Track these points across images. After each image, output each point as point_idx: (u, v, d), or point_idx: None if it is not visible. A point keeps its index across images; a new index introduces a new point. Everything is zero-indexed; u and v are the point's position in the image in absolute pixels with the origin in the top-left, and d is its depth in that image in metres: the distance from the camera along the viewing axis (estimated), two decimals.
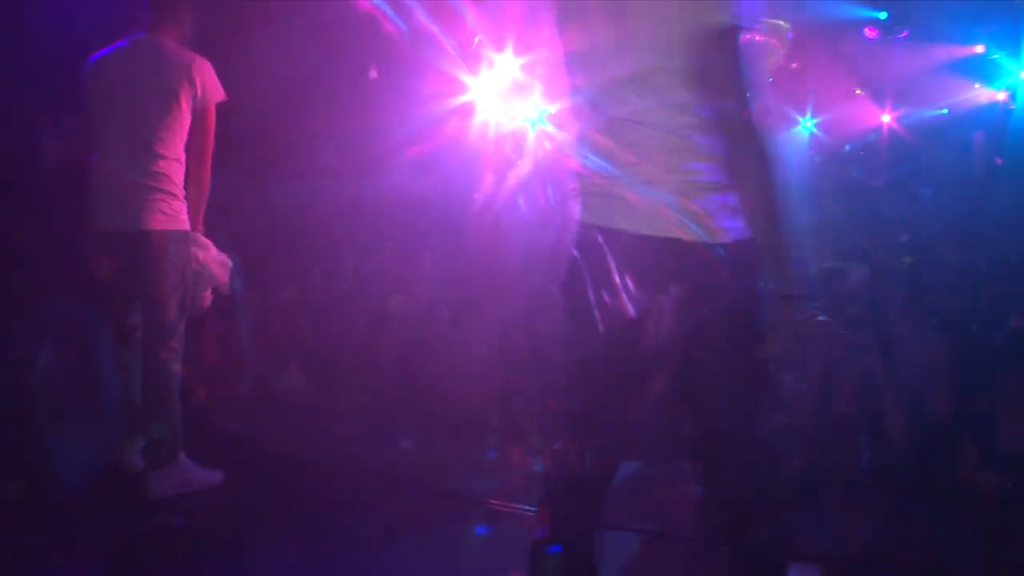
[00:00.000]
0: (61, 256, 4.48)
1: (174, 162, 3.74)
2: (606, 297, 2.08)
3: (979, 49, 6.41)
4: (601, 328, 2.07)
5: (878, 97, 7.22)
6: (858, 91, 7.49)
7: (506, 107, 6.69)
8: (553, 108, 6.60)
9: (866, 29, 6.32)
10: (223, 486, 3.86)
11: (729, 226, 2.05)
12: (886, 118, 7.28)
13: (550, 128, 6.71)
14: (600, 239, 2.09)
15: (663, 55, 1.98)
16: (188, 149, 3.84)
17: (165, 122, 3.69)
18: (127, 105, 3.70)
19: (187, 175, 3.85)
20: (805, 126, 7.93)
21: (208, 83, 3.75)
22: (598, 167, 2.13)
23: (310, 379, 5.71)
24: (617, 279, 2.06)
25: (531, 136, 6.79)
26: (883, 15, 6.33)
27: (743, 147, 2.00)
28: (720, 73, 1.97)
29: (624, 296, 2.05)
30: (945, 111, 6.92)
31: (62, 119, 4.59)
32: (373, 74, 6.28)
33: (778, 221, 2.03)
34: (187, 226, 3.79)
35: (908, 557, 3.42)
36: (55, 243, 4.57)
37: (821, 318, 4.69)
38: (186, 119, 3.73)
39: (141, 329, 3.80)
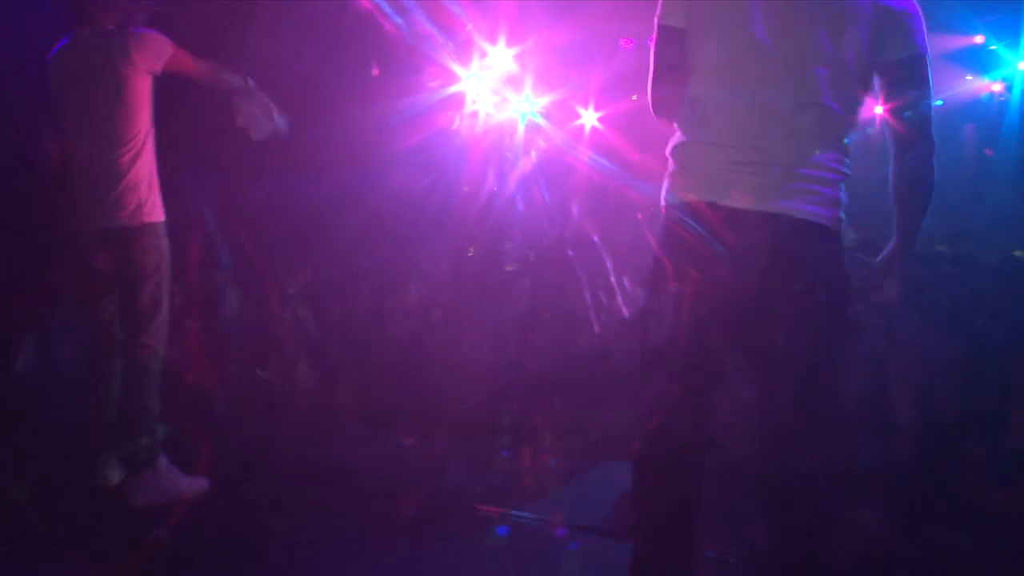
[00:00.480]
0: (42, 258, 4.43)
1: (138, 149, 3.66)
2: (701, 272, 2.14)
3: (978, 39, 6.32)
4: (692, 304, 2.14)
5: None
6: None
7: (500, 100, 6.71)
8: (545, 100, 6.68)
9: None
10: (211, 493, 3.78)
11: (825, 213, 2.15)
12: (879, 110, 7.08)
13: (542, 121, 6.75)
14: (702, 214, 2.15)
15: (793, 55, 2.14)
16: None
17: (119, 111, 3.62)
18: (81, 101, 3.65)
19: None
20: None
21: (150, 50, 3.63)
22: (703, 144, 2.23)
23: (310, 378, 5.65)
24: (717, 252, 2.12)
25: (521, 130, 6.83)
26: None
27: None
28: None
29: (722, 271, 2.12)
30: (940, 102, 6.52)
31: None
32: (375, 71, 6.27)
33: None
34: (157, 217, 3.72)
35: (910, 560, 3.38)
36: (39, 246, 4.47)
37: None
38: (141, 100, 3.64)
39: (118, 328, 3.74)
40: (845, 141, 2.25)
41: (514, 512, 3.82)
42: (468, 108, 6.76)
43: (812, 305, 2.11)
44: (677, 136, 2.33)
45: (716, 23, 2.22)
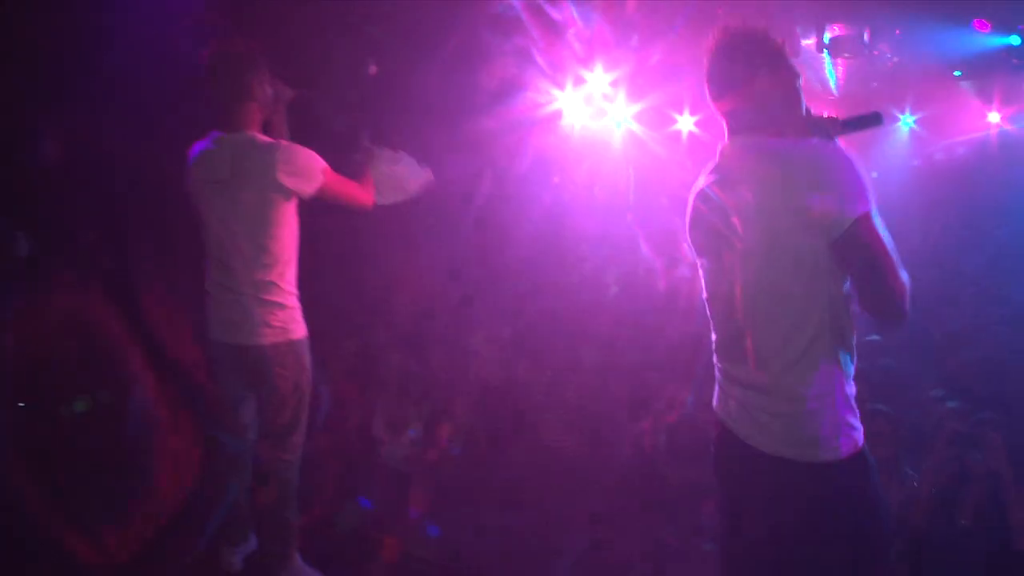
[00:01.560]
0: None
1: (280, 266, 3.49)
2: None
3: None
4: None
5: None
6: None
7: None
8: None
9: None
10: None
11: None
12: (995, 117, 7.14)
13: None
14: None
15: None
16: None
17: (265, 230, 3.43)
18: (224, 213, 3.46)
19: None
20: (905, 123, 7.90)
21: (303, 174, 3.40)
22: None
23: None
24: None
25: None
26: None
27: None
28: None
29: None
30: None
31: None
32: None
33: None
34: (297, 335, 3.55)
35: None
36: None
37: (950, 404, 4.17)
38: (287, 220, 3.45)
39: (254, 433, 3.70)
40: None
41: None
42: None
43: None
44: None
45: None
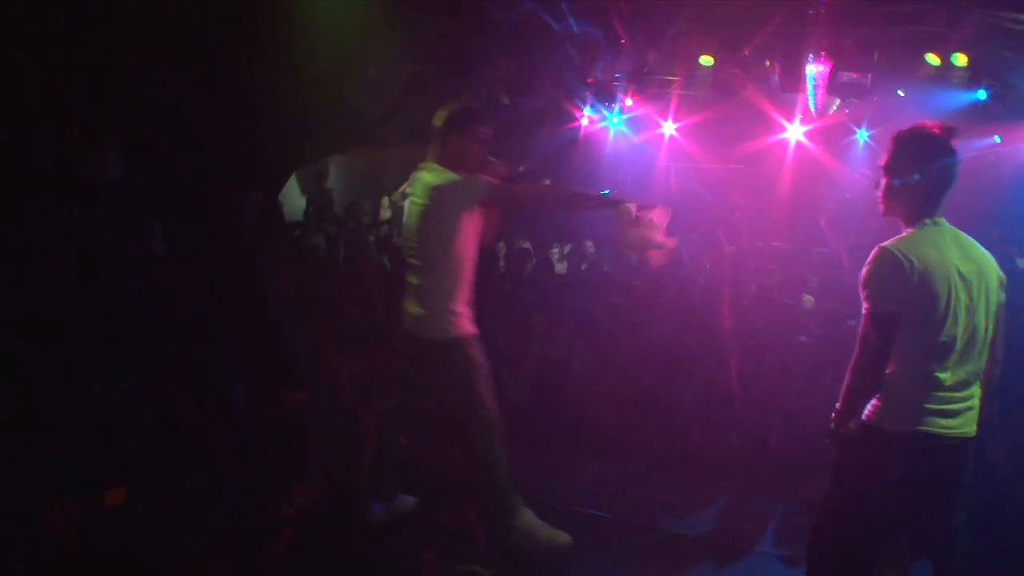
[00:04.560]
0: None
1: (438, 272, 4.07)
2: None
3: None
4: None
5: None
6: None
7: None
8: None
9: None
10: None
11: None
12: None
13: None
14: None
15: None
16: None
17: (444, 244, 4.02)
18: (420, 230, 4.10)
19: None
20: None
21: (468, 196, 3.99)
22: None
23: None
24: None
25: None
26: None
27: None
28: None
29: None
30: (997, 139, 7.95)
31: None
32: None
33: None
34: (463, 332, 4.09)
35: None
36: None
37: None
38: (464, 235, 4.02)
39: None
40: None
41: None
42: None
43: None
44: None
45: None
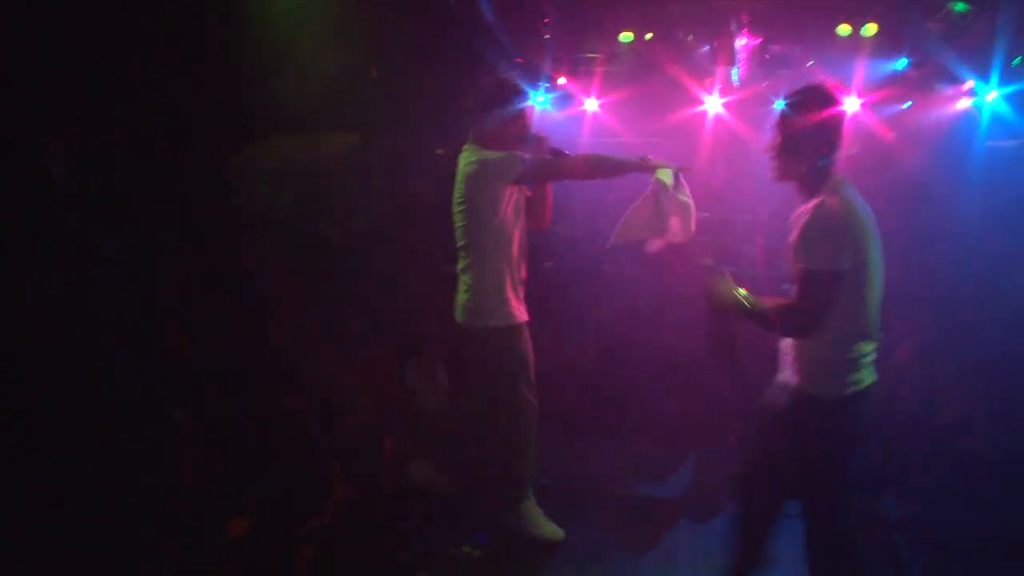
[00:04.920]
0: None
1: (478, 256, 3.98)
2: None
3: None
4: None
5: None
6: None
7: None
8: None
9: None
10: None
11: None
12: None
13: None
14: None
15: None
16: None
17: (463, 221, 3.97)
18: (454, 211, 4.04)
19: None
20: None
21: (498, 172, 3.87)
22: None
23: None
24: None
25: None
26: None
27: None
28: None
29: None
30: (909, 103, 7.95)
31: None
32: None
33: None
34: (500, 323, 3.99)
35: None
36: None
37: None
38: (493, 212, 3.91)
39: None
40: None
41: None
42: None
43: None
44: None
45: None
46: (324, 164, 7.76)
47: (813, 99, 3.16)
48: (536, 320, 4.26)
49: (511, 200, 3.91)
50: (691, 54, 7.99)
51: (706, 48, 7.80)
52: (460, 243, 4.00)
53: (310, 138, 7.83)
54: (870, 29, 7.68)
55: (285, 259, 6.26)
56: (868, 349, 3.22)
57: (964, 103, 7.90)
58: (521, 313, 4.03)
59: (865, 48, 7.55)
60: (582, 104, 9.06)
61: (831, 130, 3.13)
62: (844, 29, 7.76)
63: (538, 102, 9.13)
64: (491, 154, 3.87)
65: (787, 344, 3.28)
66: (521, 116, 4.00)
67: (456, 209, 4.00)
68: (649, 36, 7.98)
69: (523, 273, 4.06)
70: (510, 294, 3.99)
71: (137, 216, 5.07)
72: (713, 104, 9.03)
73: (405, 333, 6.10)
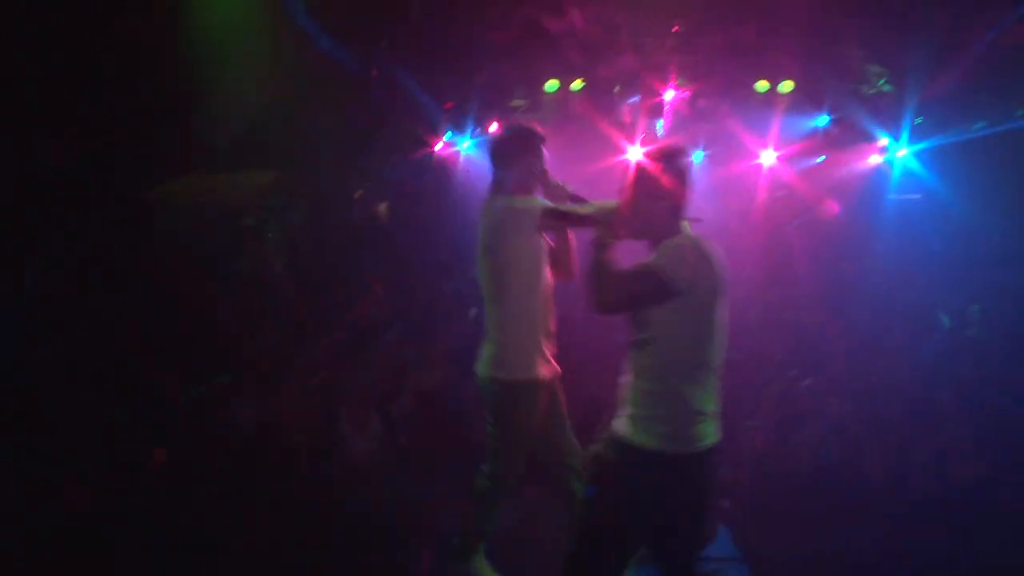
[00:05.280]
0: None
1: (508, 310, 3.79)
2: None
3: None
4: None
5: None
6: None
7: None
8: None
9: None
10: None
11: None
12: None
13: None
14: None
15: None
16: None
17: (488, 272, 3.83)
18: (484, 260, 3.85)
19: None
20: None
21: (522, 219, 3.73)
22: None
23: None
24: None
25: None
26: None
27: None
28: None
29: None
30: (823, 157, 8.33)
31: None
32: None
33: None
34: (518, 376, 3.76)
35: None
36: None
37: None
38: (515, 259, 3.75)
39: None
40: None
41: None
42: None
43: None
44: None
45: None
46: (243, 202, 7.57)
47: (661, 155, 3.18)
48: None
49: (536, 249, 3.81)
50: (616, 105, 8.08)
51: (634, 99, 7.90)
52: (485, 295, 3.86)
53: (229, 176, 7.69)
54: (786, 86, 7.96)
55: (205, 296, 6.05)
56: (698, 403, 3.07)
57: (876, 159, 8.29)
58: (545, 369, 3.86)
59: (783, 104, 7.82)
60: None
61: (675, 184, 3.10)
62: (762, 85, 8.03)
63: (463, 148, 9.15)
64: (516, 201, 3.77)
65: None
66: (540, 162, 3.89)
67: (481, 260, 3.86)
68: (577, 86, 8.02)
69: (551, 325, 3.93)
70: (533, 348, 3.82)
71: (55, 250, 4.85)
72: (635, 154, 9.17)
73: (337, 378, 5.89)
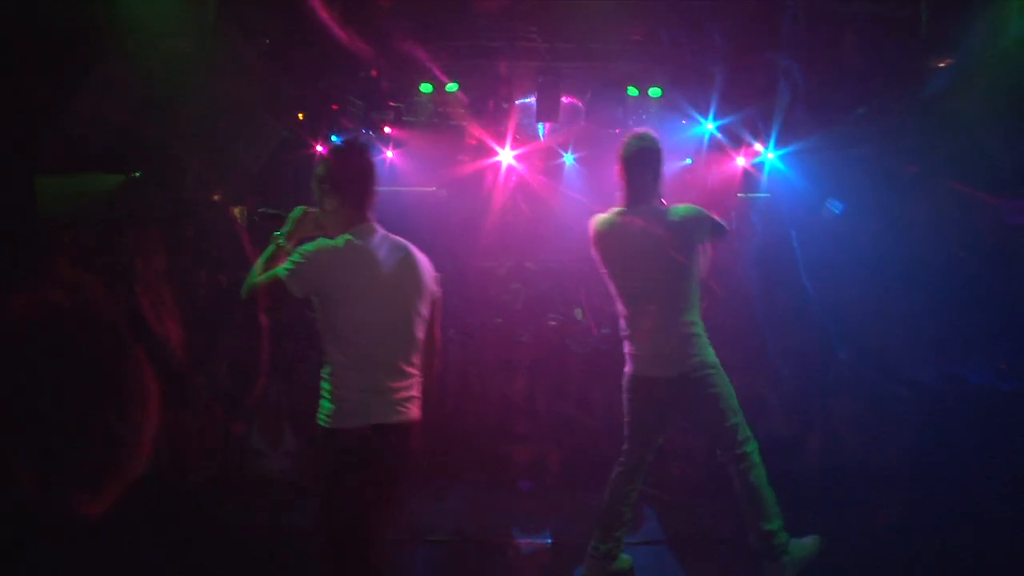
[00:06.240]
0: None
1: (695, 308, 4.24)
2: None
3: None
4: None
5: None
6: None
7: None
8: None
9: None
10: None
11: None
12: None
13: None
14: None
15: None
16: None
17: (679, 281, 4.22)
18: (644, 269, 4.27)
19: None
20: None
21: (696, 226, 4.25)
22: None
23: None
24: None
25: None
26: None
27: None
28: None
29: None
30: (689, 160, 8.78)
31: None
32: None
33: None
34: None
35: None
36: None
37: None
38: (693, 268, 4.22)
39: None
40: None
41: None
42: None
43: None
44: None
45: None
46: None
47: (340, 151, 3.44)
48: None
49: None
50: (498, 107, 8.14)
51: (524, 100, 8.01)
52: (678, 302, 4.19)
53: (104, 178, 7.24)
54: (655, 92, 8.26)
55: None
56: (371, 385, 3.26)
57: (742, 162, 8.72)
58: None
59: (657, 108, 8.11)
60: (383, 152, 9.03)
61: (352, 178, 3.31)
62: (632, 90, 8.29)
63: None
64: (684, 208, 4.21)
65: None
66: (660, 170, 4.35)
67: (661, 266, 4.16)
68: (453, 88, 8.03)
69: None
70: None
71: None
72: (505, 156, 9.30)
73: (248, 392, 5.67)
